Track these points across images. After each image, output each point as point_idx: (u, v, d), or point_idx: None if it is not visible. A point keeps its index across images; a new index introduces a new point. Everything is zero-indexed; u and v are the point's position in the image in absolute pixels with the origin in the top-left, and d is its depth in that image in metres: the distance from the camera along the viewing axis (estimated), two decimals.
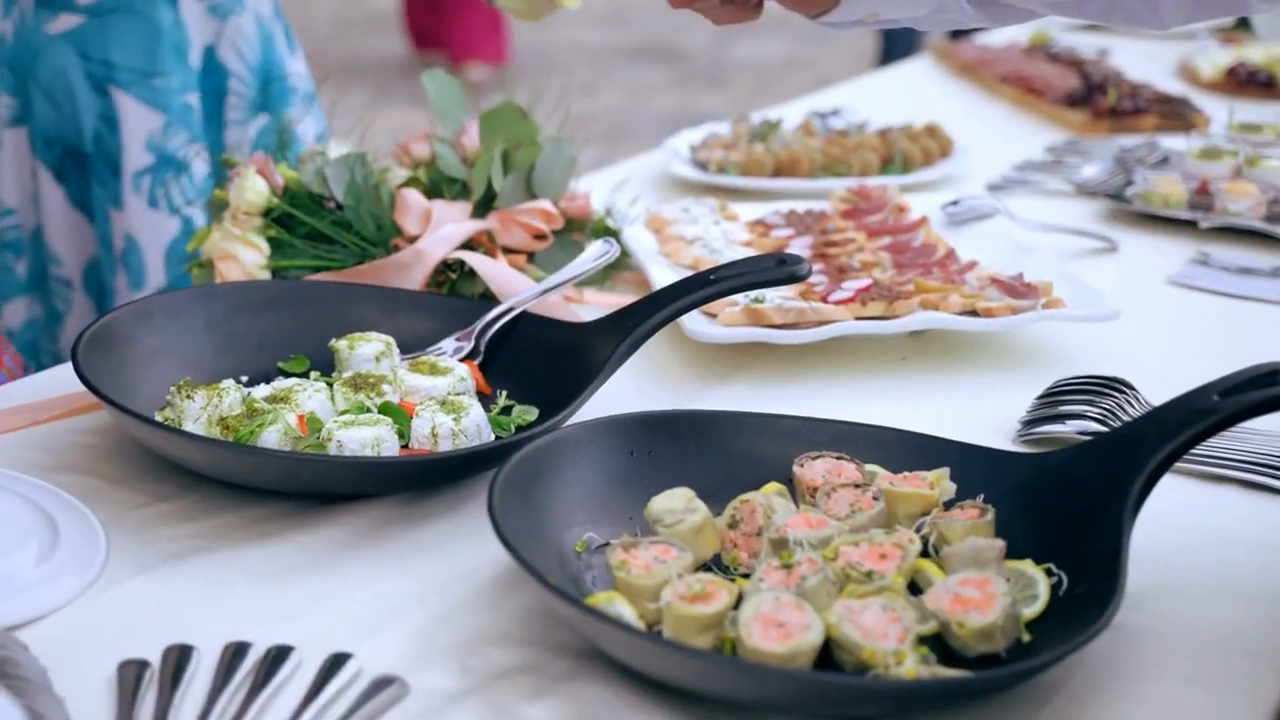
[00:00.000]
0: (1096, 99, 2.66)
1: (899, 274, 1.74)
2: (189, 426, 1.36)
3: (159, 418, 1.38)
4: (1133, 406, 1.48)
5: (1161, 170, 2.25)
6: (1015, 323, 1.61)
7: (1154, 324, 1.76)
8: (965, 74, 3.06)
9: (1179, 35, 3.40)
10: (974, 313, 1.63)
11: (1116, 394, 1.48)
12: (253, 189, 1.69)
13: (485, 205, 1.77)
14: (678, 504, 1.20)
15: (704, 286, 1.45)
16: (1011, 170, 2.38)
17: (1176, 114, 2.64)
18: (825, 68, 8.32)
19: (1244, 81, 2.91)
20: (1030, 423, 1.47)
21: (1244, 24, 3.47)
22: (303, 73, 2.38)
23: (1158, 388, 1.52)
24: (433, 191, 1.78)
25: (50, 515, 1.23)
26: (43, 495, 1.26)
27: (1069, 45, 3.17)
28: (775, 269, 1.45)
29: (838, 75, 8.01)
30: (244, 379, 1.50)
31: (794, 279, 1.45)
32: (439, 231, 1.66)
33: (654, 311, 1.44)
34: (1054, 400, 1.49)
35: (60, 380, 1.54)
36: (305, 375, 1.52)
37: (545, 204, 1.76)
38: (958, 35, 5.07)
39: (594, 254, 1.61)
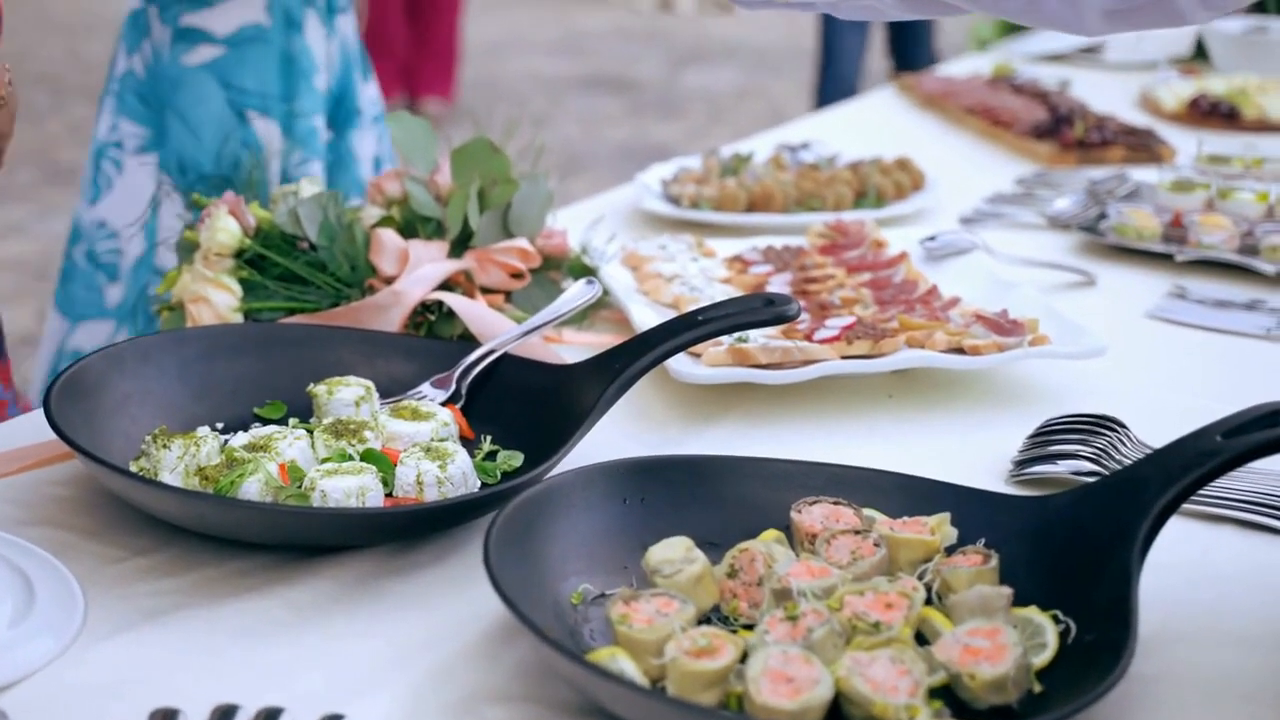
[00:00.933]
0: (1064, 131, 2.66)
1: (881, 311, 1.72)
2: (165, 477, 1.32)
3: (134, 468, 1.34)
4: (1125, 445, 1.47)
5: (1133, 203, 2.25)
6: (1002, 360, 1.60)
7: (1136, 359, 1.75)
8: (929, 106, 3.06)
9: (1138, 66, 3.42)
10: (960, 350, 1.62)
11: (1108, 432, 1.47)
12: (224, 230, 1.66)
13: (461, 244, 1.74)
14: (676, 554, 1.17)
15: (692, 328, 1.42)
16: (983, 203, 2.37)
17: (1143, 146, 2.64)
18: (777, 96, 8.36)
19: (1207, 113, 2.93)
20: (1022, 463, 1.45)
21: (1202, 55, 3.50)
22: (374, 97, 2.55)
23: (1146, 424, 1.52)
24: (407, 231, 1.75)
25: (23, 572, 1.19)
26: (14, 551, 1.22)
27: (1032, 77, 3.18)
28: (764, 310, 1.43)
29: (790, 104, 8.04)
30: (219, 425, 1.46)
31: (783, 320, 1.43)
32: (416, 272, 1.63)
33: (642, 353, 1.41)
34: (1045, 440, 1.47)
35: (26, 429, 1.50)
36: (282, 421, 1.48)
37: (523, 242, 1.73)
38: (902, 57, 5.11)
39: (577, 294, 1.58)
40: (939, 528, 1.22)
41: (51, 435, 1.44)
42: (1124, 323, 1.87)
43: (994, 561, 1.17)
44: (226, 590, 1.22)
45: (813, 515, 1.24)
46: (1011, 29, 3.85)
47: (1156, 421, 1.53)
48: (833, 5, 1.37)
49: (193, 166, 2.34)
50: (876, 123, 3.00)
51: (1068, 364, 1.68)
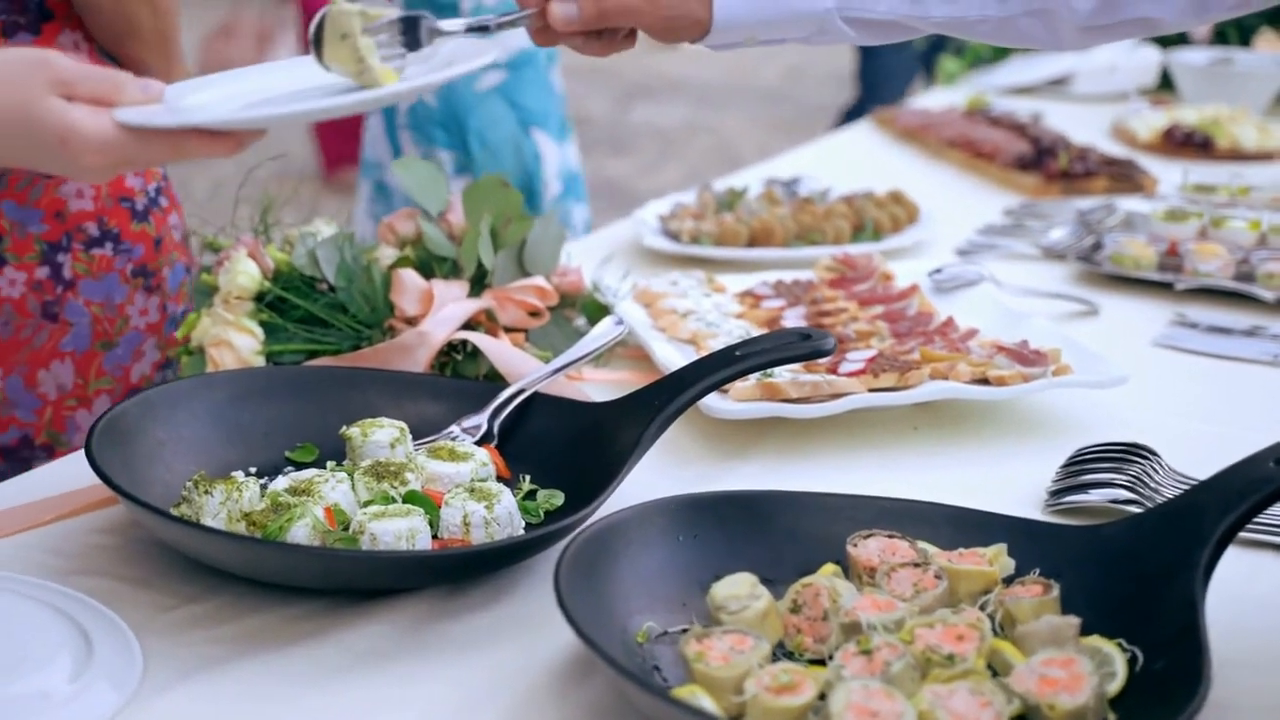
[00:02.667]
0: (1047, 162, 2.70)
1: (899, 343, 1.74)
2: (208, 523, 1.30)
3: (175, 514, 1.32)
4: (1158, 473, 1.48)
5: (1127, 232, 2.29)
6: (1027, 390, 1.61)
7: (1150, 387, 1.76)
8: (908, 139, 3.09)
9: (1107, 98, 3.48)
10: (984, 381, 1.63)
11: (1141, 460, 1.48)
12: (244, 273, 1.64)
13: (479, 283, 1.74)
14: (741, 590, 1.17)
15: (730, 363, 1.43)
16: (976, 235, 2.40)
17: (1125, 176, 2.68)
18: (726, 132, 8.41)
19: (1181, 143, 2.98)
20: (1057, 492, 1.46)
21: (1169, 86, 3.56)
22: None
23: (1171, 451, 1.53)
24: (423, 270, 1.74)
25: (80, 624, 1.17)
26: (68, 603, 1.20)
27: (1007, 110, 3.22)
28: (800, 344, 1.43)
29: (740, 139, 8.09)
30: (253, 470, 1.45)
31: (820, 354, 1.43)
32: (441, 312, 1.63)
33: (681, 390, 1.42)
34: (1078, 469, 1.49)
35: (50, 477, 1.48)
36: (315, 464, 1.47)
37: (540, 280, 1.73)
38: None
39: (604, 332, 1.58)
40: (997, 558, 1.23)
41: (83, 482, 1.43)
42: (1132, 351, 1.89)
43: (1055, 591, 1.18)
44: (283, 637, 1.20)
45: (869, 549, 1.24)
46: (977, 63, 3.89)
47: (1181, 448, 1.55)
48: (805, 39, 1.39)
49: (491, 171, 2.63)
50: (856, 157, 3.02)
51: (1085, 393, 1.70)
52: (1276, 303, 2.04)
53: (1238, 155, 2.95)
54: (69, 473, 1.48)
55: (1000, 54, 3.95)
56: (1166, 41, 3.72)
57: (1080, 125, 3.15)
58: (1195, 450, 1.57)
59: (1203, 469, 1.49)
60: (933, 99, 3.53)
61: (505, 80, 2.68)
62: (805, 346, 1.43)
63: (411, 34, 1.32)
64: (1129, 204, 2.53)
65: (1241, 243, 2.20)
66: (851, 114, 5.91)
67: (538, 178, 2.69)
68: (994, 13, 1.35)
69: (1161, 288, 2.13)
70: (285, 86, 1.32)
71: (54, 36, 1.71)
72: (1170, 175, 2.74)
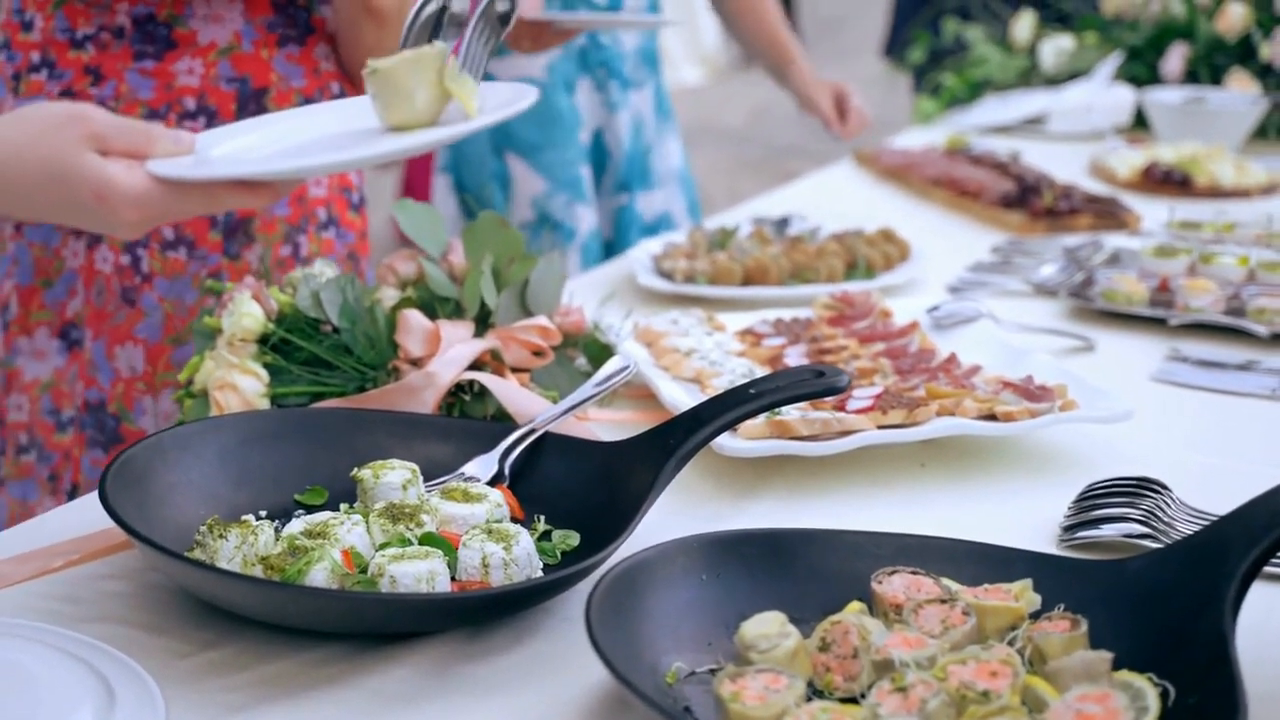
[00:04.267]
0: (1032, 200, 2.72)
1: (903, 380, 1.74)
2: (223, 567, 1.29)
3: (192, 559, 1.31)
4: (1170, 507, 1.48)
5: (1118, 268, 2.30)
6: (1036, 426, 1.62)
7: (1152, 422, 1.77)
8: (890, 178, 3.11)
9: (1082, 137, 3.51)
10: (991, 417, 1.63)
11: (1152, 495, 1.49)
12: (249, 315, 1.63)
13: (482, 324, 1.73)
14: (771, 629, 1.16)
15: (745, 402, 1.42)
16: (966, 272, 2.41)
17: (1109, 213, 2.70)
18: (694, 172, 8.42)
19: (1160, 180, 3.00)
20: (1071, 527, 1.47)
21: (1143, 124, 3.59)
22: (672, 154, 2.94)
23: (1180, 485, 1.54)
24: (425, 311, 1.73)
25: (100, 672, 1.15)
26: (87, 650, 1.18)
27: (987, 149, 3.24)
28: (814, 381, 1.43)
29: (707, 179, 8.12)
30: (263, 513, 1.43)
31: (834, 391, 1.43)
32: (448, 353, 1.62)
33: (696, 429, 1.41)
34: (1090, 504, 1.49)
35: (63, 523, 1.46)
36: (325, 507, 1.45)
37: (544, 320, 1.72)
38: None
39: (613, 370, 1.58)
40: (1023, 594, 1.23)
41: (90, 527, 1.42)
42: (1131, 386, 1.90)
43: (1084, 626, 1.18)
44: (306, 682, 1.19)
45: (894, 585, 1.24)
46: (954, 103, 3.93)
47: (1188, 482, 1.56)
48: None
49: (460, 189, 2.76)
50: (839, 196, 3.03)
51: (1088, 428, 1.71)
52: (1270, 337, 2.06)
53: (1216, 192, 2.97)
54: (74, 519, 1.46)
55: (975, 94, 3.99)
56: (1140, 81, 3.76)
57: (1058, 164, 3.18)
58: (1203, 484, 1.58)
59: (1213, 502, 1.51)
60: (911, 139, 3.55)
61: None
62: (819, 384, 1.43)
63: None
64: (1114, 240, 2.55)
65: (1231, 278, 2.22)
66: (891, 45, 5.78)
67: (500, 198, 2.75)
68: None
69: (1154, 323, 2.15)
70: (318, 131, 1.32)
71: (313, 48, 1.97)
72: (1151, 212, 2.76)
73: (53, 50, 1.86)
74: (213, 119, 1.89)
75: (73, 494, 1.97)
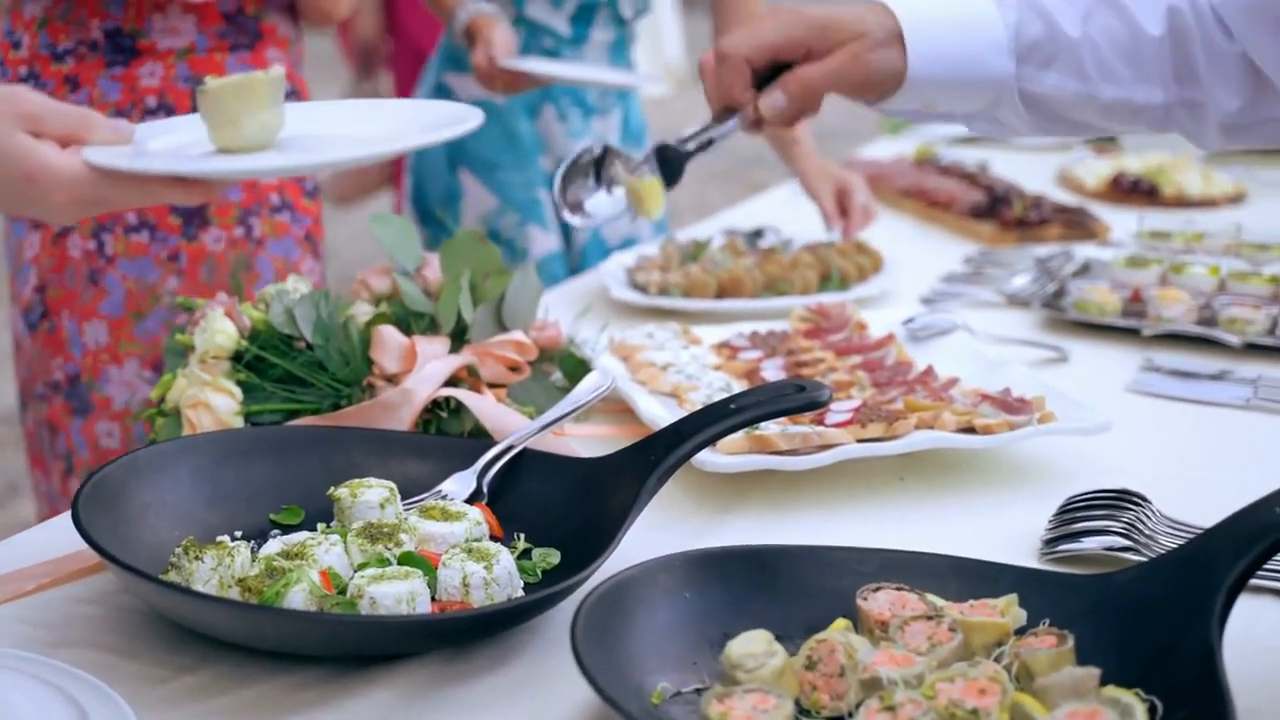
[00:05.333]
0: (1002, 211, 2.72)
1: (880, 393, 1.73)
2: (199, 589, 1.27)
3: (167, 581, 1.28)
4: (1150, 519, 1.48)
5: (1089, 279, 2.31)
6: (1015, 438, 1.62)
7: (1129, 433, 1.77)
8: None
9: (1054, 146, 3.52)
10: (970, 429, 1.63)
11: (1133, 507, 1.49)
12: (222, 332, 1.61)
13: (458, 339, 1.72)
14: (758, 647, 1.15)
15: (727, 416, 1.41)
16: (939, 283, 2.41)
17: (1078, 223, 2.71)
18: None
19: (1128, 190, 3.02)
20: (1052, 541, 1.46)
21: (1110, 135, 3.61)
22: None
23: (1159, 496, 1.54)
24: (400, 327, 1.72)
25: (75, 700, 1.12)
26: (60, 676, 1.15)
27: (955, 159, 3.25)
28: (796, 395, 1.42)
29: (676, 189, 8.11)
30: (238, 534, 1.41)
31: (816, 405, 1.42)
32: (424, 370, 1.60)
33: (677, 444, 1.40)
34: (1071, 517, 1.49)
35: (29, 545, 1.43)
36: (301, 527, 1.44)
37: (519, 335, 1.71)
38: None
39: (592, 386, 1.57)
40: (1008, 609, 1.22)
41: (57, 549, 1.39)
42: (1107, 397, 1.90)
43: (1070, 642, 1.17)
44: (285, 706, 1.17)
45: (879, 602, 1.23)
46: None
47: (1167, 493, 1.56)
48: (970, 117, 1.40)
49: (416, 198, 2.79)
50: (810, 207, 3.03)
51: (1066, 440, 1.70)
52: (1242, 347, 2.06)
53: (1183, 202, 2.99)
54: (46, 541, 1.44)
55: None
56: None
57: (1026, 174, 3.19)
58: (1181, 495, 1.58)
59: (1192, 514, 1.51)
60: (880, 149, 3.55)
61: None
62: (801, 398, 1.42)
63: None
64: (1085, 251, 2.56)
65: (1202, 288, 2.23)
66: None
67: (452, 211, 2.74)
68: (1159, 98, 1.37)
69: (1127, 333, 2.15)
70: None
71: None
72: (1119, 222, 2.78)
73: (38, 64, 2.10)
74: (172, 114, 2.07)
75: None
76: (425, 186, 2.80)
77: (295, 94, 2.24)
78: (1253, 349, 2.08)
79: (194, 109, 1.85)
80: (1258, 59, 1.33)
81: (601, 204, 1.34)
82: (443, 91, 2.78)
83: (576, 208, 1.36)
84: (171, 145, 1.35)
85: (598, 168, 1.34)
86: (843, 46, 1.30)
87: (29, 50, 2.11)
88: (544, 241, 2.74)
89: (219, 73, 2.01)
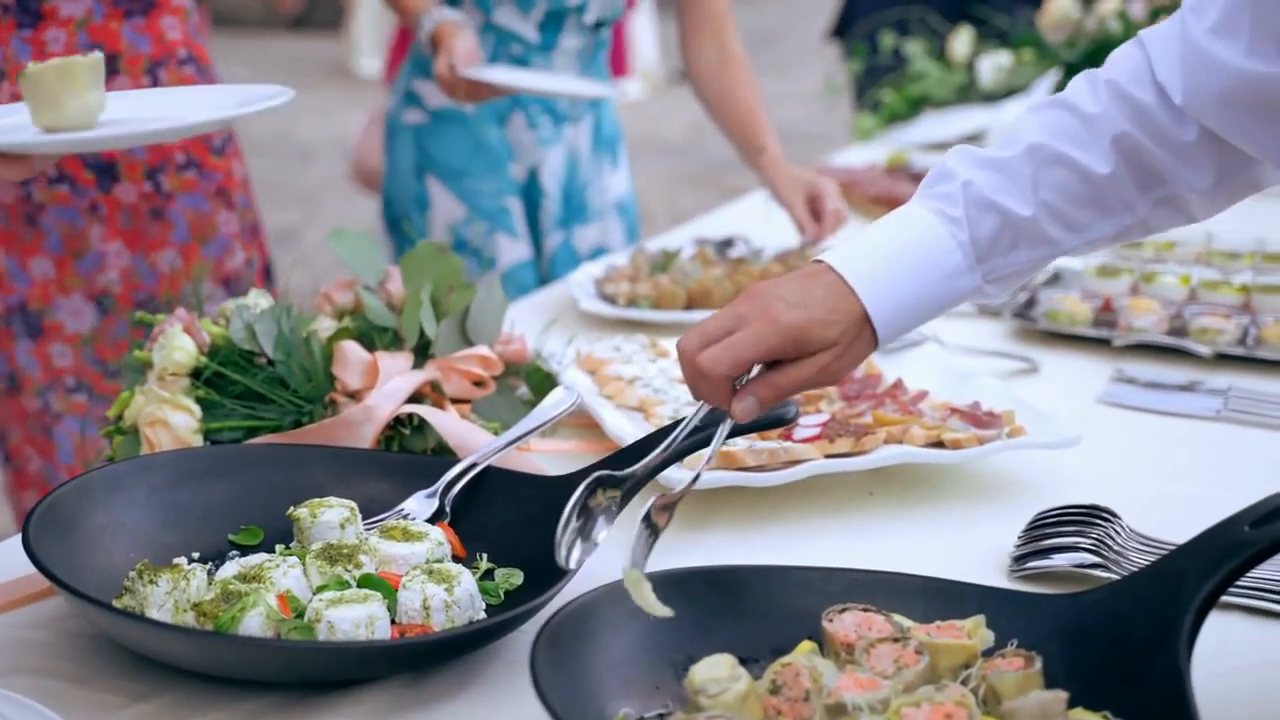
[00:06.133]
0: None
1: (849, 406, 1.72)
2: (154, 614, 1.24)
3: (118, 605, 1.26)
4: (1120, 535, 1.47)
5: (1060, 288, 2.30)
6: (984, 453, 1.60)
7: (1100, 446, 1.76)
8: None
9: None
10: (940, 444, 1.62)
11: (1102, 523, 1.47)
12: (180, 348, 1.59)
13: (422, 354, 1.69)
14: (721, 672, 1.13)
15: (691, 434, 1.39)
16: None
17: None
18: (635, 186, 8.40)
19: None
20: (1021, 558, 1.45)
21: None
22: (611, 187, 2.89)
23: (1129, 511, 1.53)
24: (363, 341, 1.69)
25: None
26: (10, 707, 1.13)
27: (927, 166, 3.24)
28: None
29: (646, 193, 8.10)
30: (195, 555, 1.39)
31: (781, 423, 1.41)
32: (386, 386, 1.58)
33: (639, 462, 1.38)
34: (1040, 533, 1.47)
35: None
36: (260, 547, 1.41)
37: (484, 350, 1.69)
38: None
39: (557, 402, 1.55)
40: (975, 630, 1.20)
41: (12, 573, 1.37)
42: (1077, 409, 1.89)
43: (1038, 664, 1.16)
44: None
45: (845, 624, 1.21)
46: (893, 119, 3.93)
47: (1138, 508, 1.55)
48: (1075, 248, 1.39)
49: (391, 208, 2.80)
50: (780, 214, 3.01)
51: (1038, 453, 1.69)
52: (1213, 357, 2.06)
53: None
54: None
55: (914, 110, 3.99)
56: None
57: None
58: (1151, 510, 1.57)
59: (1162, 529, 1.50)
60: (853, 156, 3.54)
61: (423, 123, 2.75)
62: (767, 415, 1.40)
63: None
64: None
65: (1173, 298, 2.22)
66: (841, 26, 5.47)
67: (420, 219, 2.73)
68: (1130, 220, 1.37)
69: (1097, 343, 2.14)
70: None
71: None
72: None
73: None
74: None
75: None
76: (394, 195, 2.78)
77: (194, 60, 2.37)
78: (1223, 359, 2.07)
79: None
80: (1244, 146, 1.33)
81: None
82: (412, 98, 2.76)
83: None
84: (9, 123, 1.50)
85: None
86: (813, 357, 1.30)
87: None
88: (513, 250, 2.71)
89: (115, 40, 2.28)
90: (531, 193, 2.78)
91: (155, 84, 2.31)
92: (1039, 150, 1.34)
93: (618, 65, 7.48)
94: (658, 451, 1.34)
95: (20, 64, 2.21)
